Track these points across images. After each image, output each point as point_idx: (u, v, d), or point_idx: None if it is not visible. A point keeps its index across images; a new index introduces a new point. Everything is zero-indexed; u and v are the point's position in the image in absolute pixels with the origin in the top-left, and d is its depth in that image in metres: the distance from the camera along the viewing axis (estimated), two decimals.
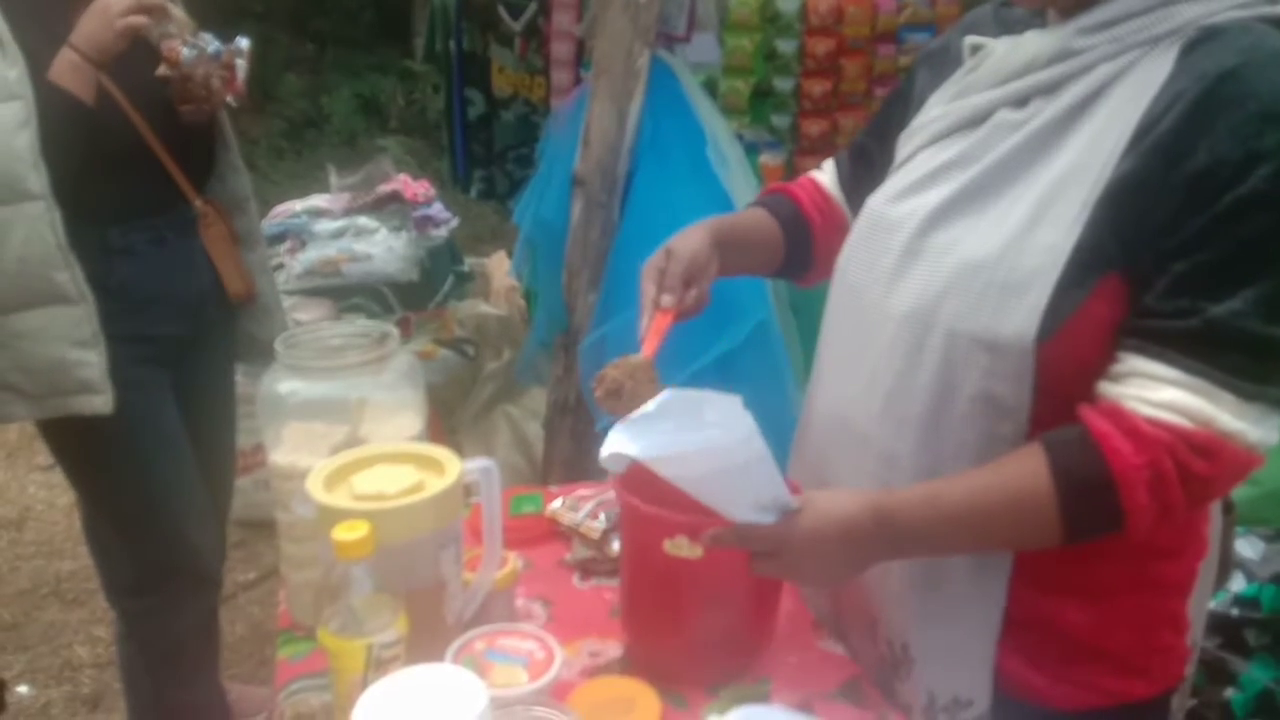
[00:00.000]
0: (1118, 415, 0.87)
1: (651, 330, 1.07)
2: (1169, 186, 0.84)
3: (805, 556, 0.96)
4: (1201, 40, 0.85)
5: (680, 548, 1.04)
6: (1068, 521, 0.89)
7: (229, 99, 1.73)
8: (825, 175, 1.30)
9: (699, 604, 1.08)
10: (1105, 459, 0.86)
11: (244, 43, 1.72)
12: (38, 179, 1.50)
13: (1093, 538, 0.91)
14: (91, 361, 1.57)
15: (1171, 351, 0.85)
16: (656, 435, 0.94)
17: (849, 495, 0.98)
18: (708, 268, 1.12)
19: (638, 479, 1.10)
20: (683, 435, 0.93)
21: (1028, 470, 0.90)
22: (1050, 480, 0.88)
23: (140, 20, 1.58)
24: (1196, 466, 0.84)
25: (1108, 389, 0.89)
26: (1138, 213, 0.85)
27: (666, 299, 1.07)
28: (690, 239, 1.13)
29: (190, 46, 1.63)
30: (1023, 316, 0.88)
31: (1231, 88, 0.81)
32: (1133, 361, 0.87)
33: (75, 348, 1.56)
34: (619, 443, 0.94)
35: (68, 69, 1.56)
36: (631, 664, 1.13)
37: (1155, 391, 0.85)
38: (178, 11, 1.66)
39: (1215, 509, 1.05)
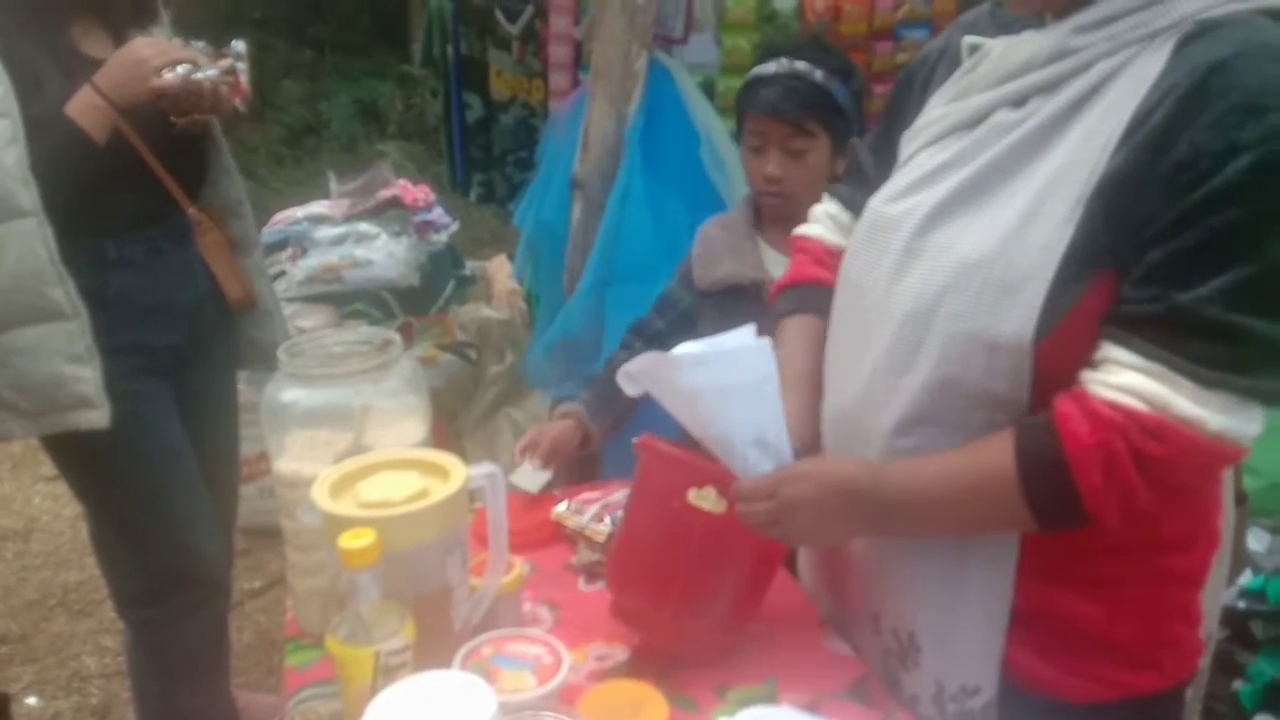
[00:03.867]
0: (1081, 399, 0.88)
1: None
2: (1154, 178, 0.84)
3: (798, 502, 1.00)
4: (1198, 34, 0.85)
5: (705, 499, 1.06)
6: (1030, 501, 0.91)
7: (237, 104, 1.72)
8: (828, 229, 1.26)
9: (703, 563, 1.08)
10: (1060, 440, 0.88)
11: (240, 46, 1.72)
12: (28, 195, 1.50)
13: (1063, 522, 0.92)
14: (87, 376, 1.57)
15: (1135, 337, 0.86)
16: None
17: (848, 458, 1.04)
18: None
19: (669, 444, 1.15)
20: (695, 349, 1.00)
21: (996, 450, 0.92)
22: (1014, 460, 0.91)
23: (174, 82, 1.59)
24: (1149, 448, 0.85)
25: (1083, 374, 0.90)
26: (1127, 207, 0.85)
27: None
28: (809, 422, 1.14)
29: (185, 64, 1.63)
30: (1020, 315, 0.88)
31: (1219, 79, 0.82)
32: (1105, 347, 0.89)
33: (70, 363, 1.56)
34: (632, 363, 1.01)
35: (89, 110, 1.56)
36: (638, 667, 1.13)
37: (1117, 375, 0.87)
38: (204, 60, 1.67)
39: (1228, 501, 1.05)
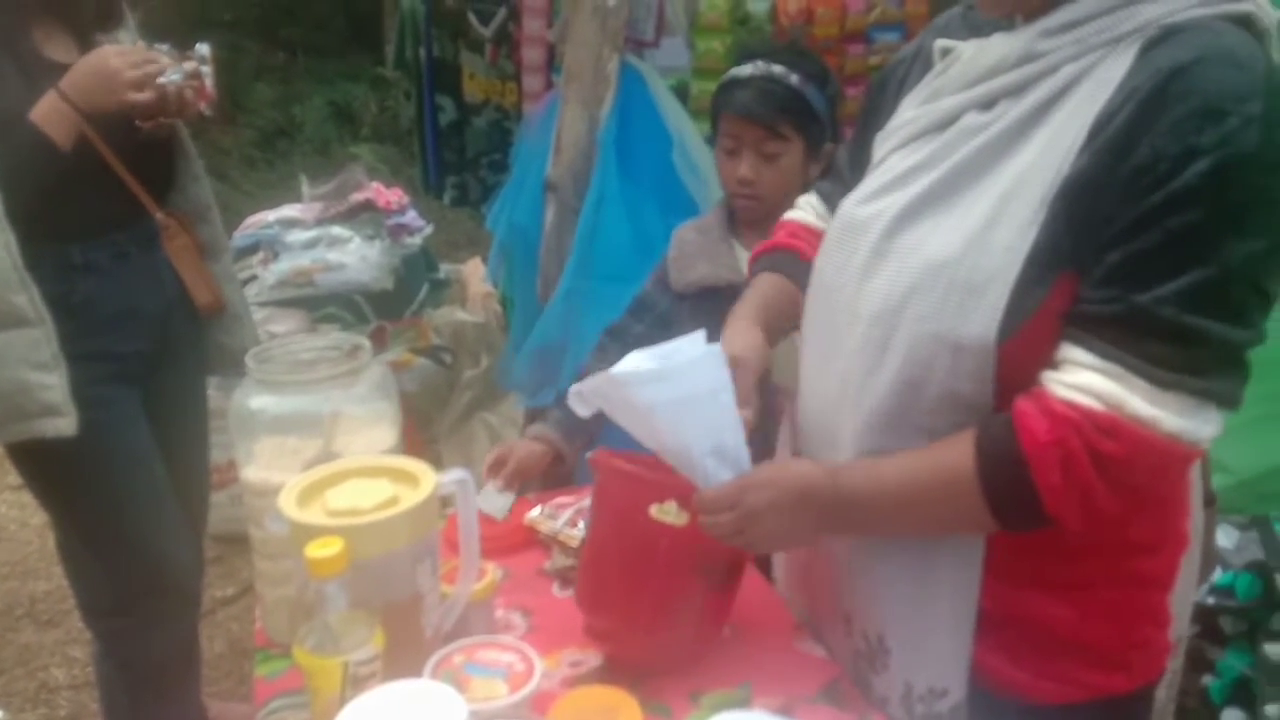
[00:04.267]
0: (1040, 397, 0.89)
1: None
2: (1115, 181, 0.85)
3: (761, 509, 0.99)
4: (1161, 39, 0.85)
5: (668, 513, 1.05)
6: (990, 499, 0.91)
7: (202, 108, 1.70)
8: (808, 213, 1.29)
9: (671, 576, 1.07)
10: (1018, 437, 0.88)
11: (204, 49, 1.70)
12: None
13: (1022, 521, 0.92)
14: (53, 384, 1.55)
15: (1093, 337, 0.87)
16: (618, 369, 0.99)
17: (808, 461, 1.05)
18: (767, 369, 1.14)
19: (627, 457, 1.14)
20: (647, 364, 0.99)
21: (956, 448, 0.92)
22: (974, 457, 0.91)
23: (147, 98, 1.58)
24: (1104, 447, 0.85)
25: (1042, 374, 0.91)
26: (1088, 209, 0.86)
27: (746, 413, 1.06)
28: (749, 342, 1.12)
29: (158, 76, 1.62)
30: (984, 317, 0.89)
31: (1180, 83, 0.82)
32: (1064, 348, 0.89)
33: (36, 370, 1.54)
34: (582, 383, 1.00)
35: (55, 117, 1.55)
36: (612, 673, 1.13)
37: (1074, 375, 0.87)
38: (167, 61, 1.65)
39: (1196, 503, 1.06)
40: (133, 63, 1.58)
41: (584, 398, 1.02)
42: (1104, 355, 0.86)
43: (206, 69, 1.68)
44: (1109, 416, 0.85)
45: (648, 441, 1.03)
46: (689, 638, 1.12)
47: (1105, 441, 0.85)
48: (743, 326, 1.16)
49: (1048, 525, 0.90)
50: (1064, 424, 0.86)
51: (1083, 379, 0.87)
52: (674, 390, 0.98)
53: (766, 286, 1.24)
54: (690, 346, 1.03)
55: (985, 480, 0.91)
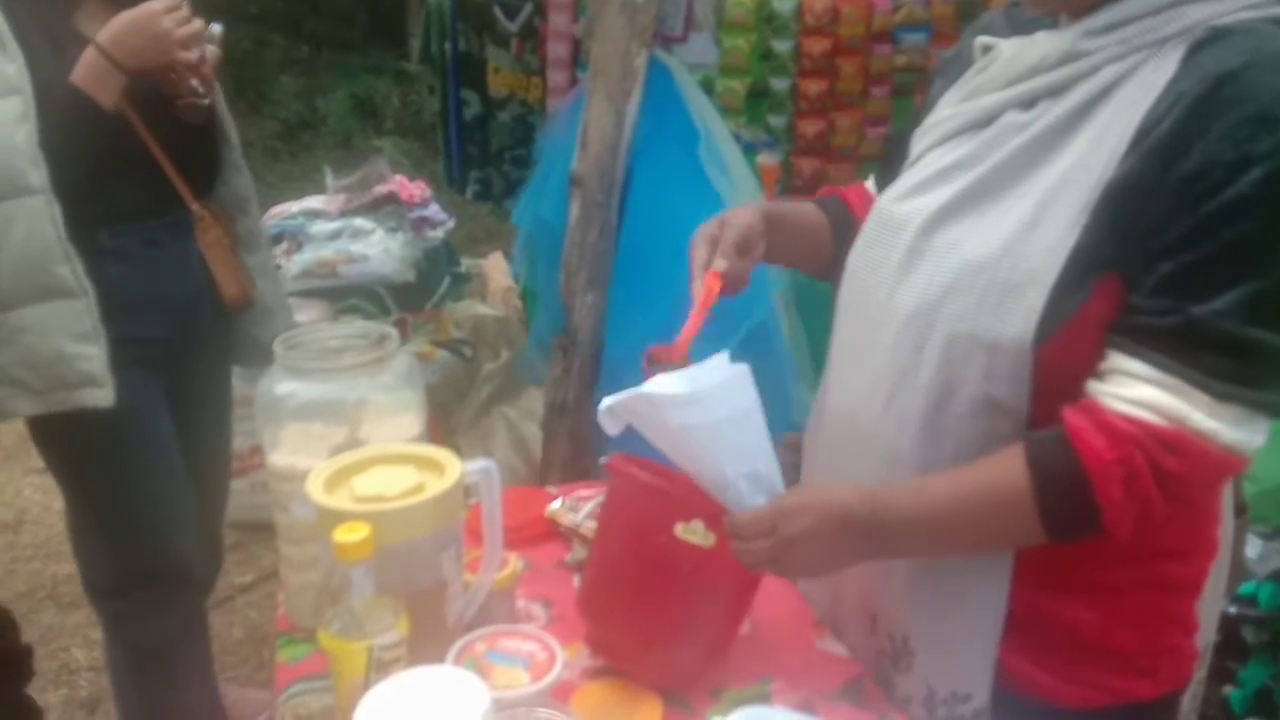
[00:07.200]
0: (1094, 411, 0.87)
1: (702, 298, 1.08)
2: (1163, 187, 0.84)
3: (798, 538, 0.97)
4: (1208, 41, 0.84)
5: (694, 533, 1.02)
6: (1046, 517, 0.90)
7: (194, 84, 1.67)
8: (872, 185, 1.29)
9: (690, 596, 1.05)
10: (1078, 454, 0.86)
11: (216, 29, 1.68)
12: (37, 174, 1.50)
13: (1076, 536, 0.91)
14: (93, 355, 1.57)
15: (1149, 350, 0.85)
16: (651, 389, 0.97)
17: (843, 484, 1.01)
18: (758, 244, 1.13)
19: (643, 465, 1.11)
20: (677, 386, 0.97)
21: (1007, 466, 0.91)
22: (1027, 476, 0.89)
23: (194, 57, 1.60)
24: (1168, 463, 0.84)
25: (1091, 386, 0.89)
26: (1134, 214, 0.85)
27: (720, 262, 1.08)
28: (743, 213, 1.14)
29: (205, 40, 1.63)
30: (1022, 318, 0.88)
31: (1230, 89, 0.81)
32: (1115, 359, 0.88)
33: (77, 341, 1.56)
34: (614, 399, 0.97)
35: (99, 75, 1.56)
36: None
37: (1131, 388, 0.86)
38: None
39: (1227, 510, 1.05)
40: (180, 19, 1.60)
41: (615, 413, 0.98)
42: (1163, 368, 0.84)
43: (214, 48, 1.67)
44: (1173, 431, 0.84)
45: (680, 462, 1.01)
46: (702, 655, 1.10)
47: (1168, 457, 0.84)
48: (743, 207, 1.17)
49: (1098, 537, 0.89)
50: (1126, 441, 0.85)
51: (1141, 393, 0.85)
52: (707, 414, 0.96)
53: (795, 205, 1.25)
54: (718, 366, 1.00)
55: (1042, 498, 0.89)
